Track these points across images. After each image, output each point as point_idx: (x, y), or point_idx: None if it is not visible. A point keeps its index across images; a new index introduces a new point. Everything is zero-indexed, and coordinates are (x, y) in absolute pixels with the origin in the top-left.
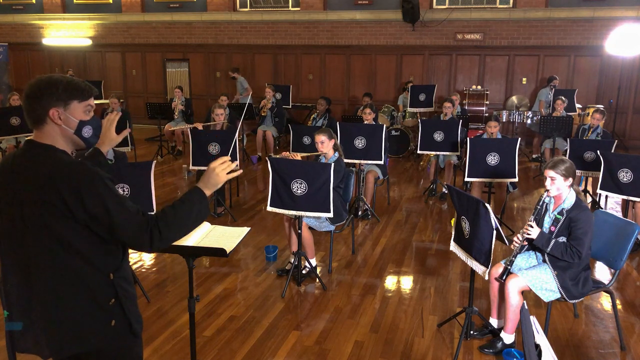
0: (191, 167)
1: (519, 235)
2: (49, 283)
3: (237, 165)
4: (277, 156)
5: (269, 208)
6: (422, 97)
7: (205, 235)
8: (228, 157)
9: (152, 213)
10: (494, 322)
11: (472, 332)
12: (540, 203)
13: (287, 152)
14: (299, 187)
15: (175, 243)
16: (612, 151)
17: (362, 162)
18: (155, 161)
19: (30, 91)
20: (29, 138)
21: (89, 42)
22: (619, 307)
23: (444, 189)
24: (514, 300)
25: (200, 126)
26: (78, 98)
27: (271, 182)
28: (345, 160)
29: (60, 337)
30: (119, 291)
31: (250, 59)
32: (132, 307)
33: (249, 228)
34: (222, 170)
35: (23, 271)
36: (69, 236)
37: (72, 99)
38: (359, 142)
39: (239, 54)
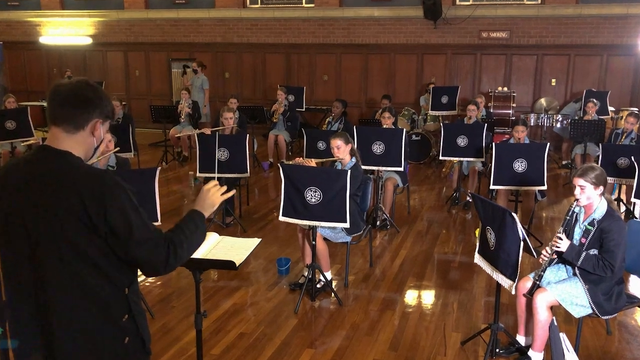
0: (198, 174)
1: (547, 248)
2: (62, 298)
3: (221, 184)
4: (290, 162)
5: (281, 218)
6: (444, 99)
7: (213, 246)
8: (216, 182)
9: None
10: (521, 339)
11: (498, 350)
12: (570, 213)
13: (301, 158)
14: (313, 196)
15: None
16: None
17: (381, 168)
18: (159, 168)
19: (80, 94)
20: (43, 144)
21: (89, 41)
22: None
23: (467, 198)
24: (543, 316)
25: (208, 130)
26: (112, 115)
27: (283, 190)
28: (363, 167)
29: (73, 355)
30: (132, 307)
31: (261, 58)
32: (144, 324)
33: (259, 239)
34: (216, 191)
35: (31, 287)
36: (87, 249)
37: (111, 116)
38: (377, 148)
39: (249, 53)
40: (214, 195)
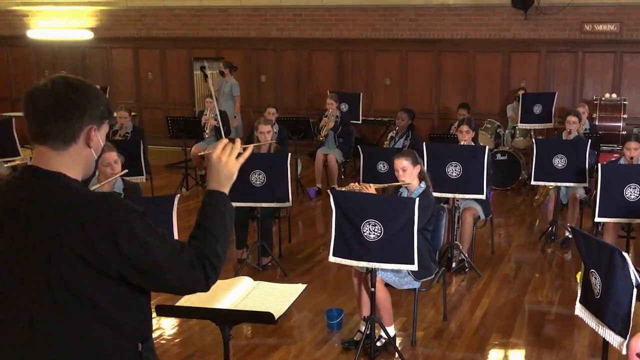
0: None
1: None
2: (57, 356)
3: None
4: (343, 189)
5: (331, 258)
6: (537, 109)
7: (245, 294)
8: (226, 140)
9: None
10: None
11: None
12: None
13: (357, 183)
14: (372, 230)
15: (206, 305)
16: None
17: (458, 196)
18: (179, 195)
19: (61, 101)
20: (30, 165)
21: (89, 35)
22: None
23: (567, 233)
24: None
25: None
26: (110, 116)
27: (334, 223)
28: (435, 194)
29: None
30: None
31: (305, 57)
32: None
33: (304, 285)
34: (228, 155)
35: (20, 345)
36: (95, 295)
37: (107, 116)
38: (453, 170)
39: (291, 51)
40: (229, 162)
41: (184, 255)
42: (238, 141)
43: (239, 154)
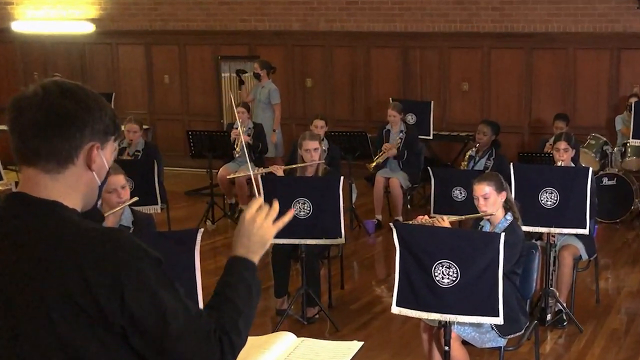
0: None
1: None
2: None
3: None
4: (410, 222)
5: (394, 309)
6: None
7: (287, 354)
8: (260, 200)
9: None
10: None
11: None
12: None
13: (426, 216)
14: (446, 274)
15: None
16: None
17: (554, 230)
18: (202, 229)
19: (54, 110)
20: (17, 191)
21: (89, 28)
22: None
23: None
24: None
25: (280, 170)
26: (117, 132)
27: (399, 264)
28: (525, 228)
29: None
30: None
31: (362, 56)
32: None
33: (361, 342)
34: (264, 219)
35: None
36: (90, 353)
37: (113, 132)
38: (548, 198)
39: (344, 48)
40: (263, 225)
41: (201, 323)
42: (276, 204)
43: (278, 217)
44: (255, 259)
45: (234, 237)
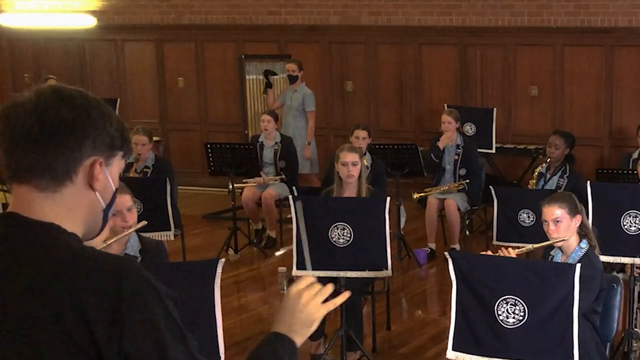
0: (295, 272)
1: None
2: None
3: (339, 288)
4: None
5: (450, 354)
6: None
7: None
8: (314, 278)
9: None
10: None
11: None
12: None
13: (489, 252)
14: (511, 313)
15: None
16: None
17: (638, 260)
18: (223, 260)
19: (50, 118)
20: (7, 212)
21: (90, 22)
22: None
23: None
24: None
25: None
26: (125, 147)
27: (455, 302)
28: (604, 258)
29: None
30: None
31: (412, 54)
32: None
33: None
34: (313, 296)
35: None
36: None
37: (120, 146)
38: (632, 222)
39: (390, 46)
40: (311, 304)
41: None
42: (330, 287)
43: (332, 296)
44: (298, 340)
45: (277, 312)
